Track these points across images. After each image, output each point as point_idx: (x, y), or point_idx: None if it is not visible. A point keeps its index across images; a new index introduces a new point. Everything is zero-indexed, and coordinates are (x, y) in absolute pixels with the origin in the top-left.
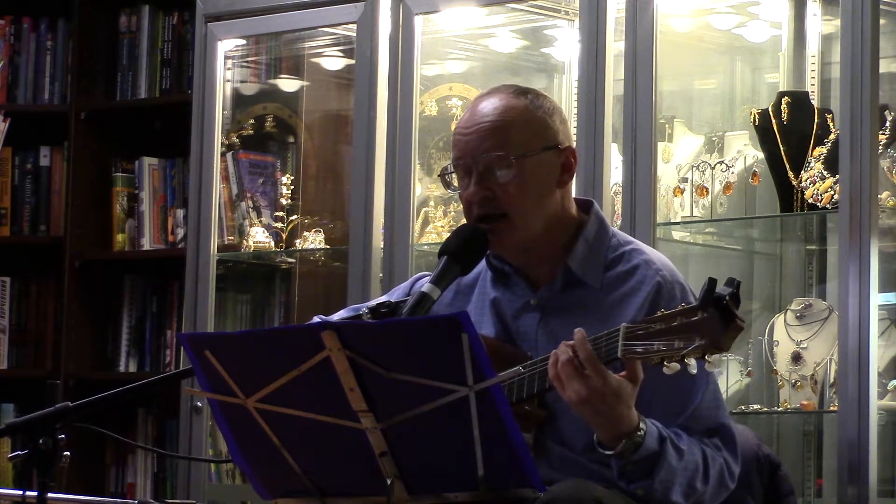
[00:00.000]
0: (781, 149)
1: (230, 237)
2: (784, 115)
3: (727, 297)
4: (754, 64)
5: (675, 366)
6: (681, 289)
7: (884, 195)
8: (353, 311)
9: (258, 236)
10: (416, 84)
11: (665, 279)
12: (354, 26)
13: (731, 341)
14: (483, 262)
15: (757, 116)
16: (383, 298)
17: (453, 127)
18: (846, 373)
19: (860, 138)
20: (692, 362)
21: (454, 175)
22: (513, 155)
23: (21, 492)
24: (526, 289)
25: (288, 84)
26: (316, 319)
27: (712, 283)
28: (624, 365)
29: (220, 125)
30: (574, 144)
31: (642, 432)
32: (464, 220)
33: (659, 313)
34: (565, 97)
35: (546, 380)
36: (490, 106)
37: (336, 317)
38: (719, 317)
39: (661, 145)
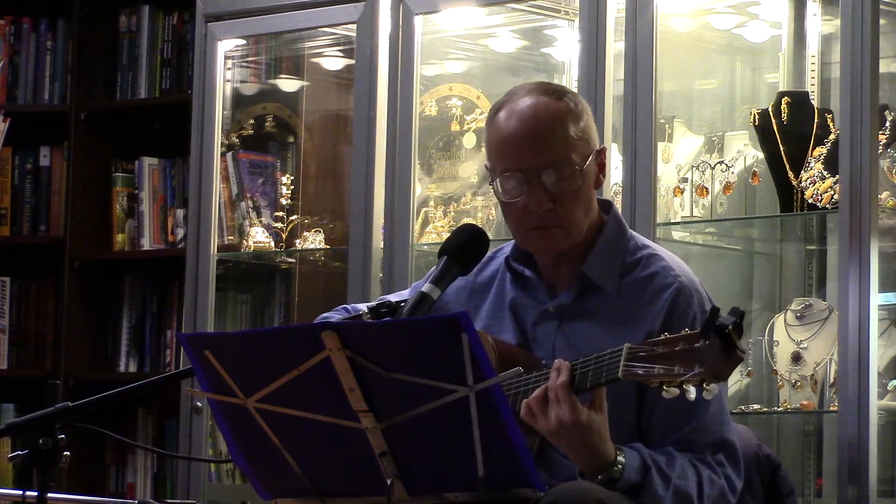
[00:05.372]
0: (781, 149)
1: (230, 237)
2: (784, 115)
3: (730, 327)
4: (754, 64)
5: (675, 391)
6: (698, 297)
7: (884, 195)
8: (355, 309)
9: (258, 236)
10: (416, 84)
11: (683, 286)
12: (354, 26)
13: (730, 371)
14: (501, 261)
15: (757, 116)
16: (405, 293)
17: (453, 127)
18: (846, 373)
19: (860, 138)
20: (690, 388)
21: (498, 180)
22: (577, 165)
23: (21, 492)
24: (544, 294)
25: (288, 84)
26: (339, 310)
27: (714, 311)
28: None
29: (220, 125)
30: None
31: (620, 466)
32: (464, 221)
33: (663, 336)
34: None
35: None
36: (539, 112)
37: (363, 306)
38: (720, 346)
39: (661, 145)
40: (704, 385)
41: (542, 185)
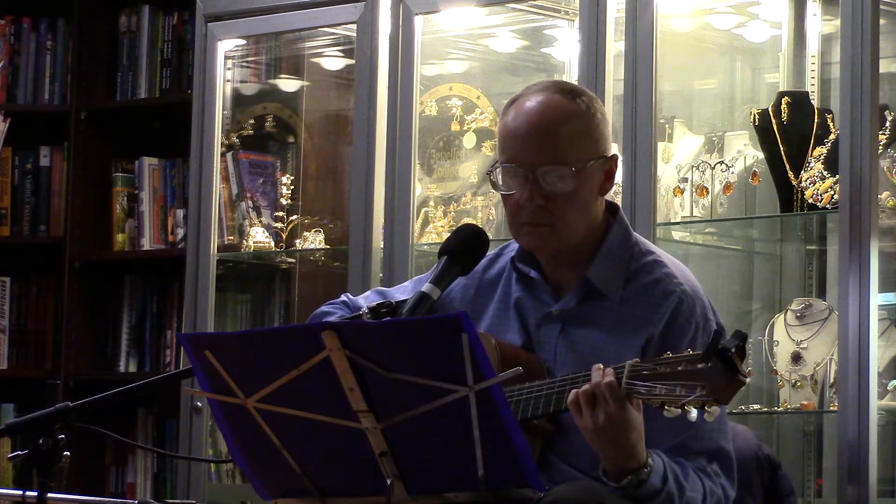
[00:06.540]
0: (781, 149)
1: (230, 237)
2: (784, 115)
3: (732, 350)
4: (754, 64)
5: (676, 411)
6: (700, 306)
7: (884, 195)
8: (377, 294)
9: (258, 236)
10: (416, 84)
11: (686, 295)
12: (354, 26)
13: (731, 395)
14: (507, 259)
15: (757, 116)
16: (407, 286)
17: (453, 127)
18: (846, 373)
19: (860, 138)
20: (692, 410)
21: (498, 173)
22: (574, 167)
23: (21, 492)
24: (549, 296)
25: (288, 84)
26: (337, 304)
27: (717, 334)
28: None
29: (220, 125)
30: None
31: (648, 469)
32: (464, 221)
33: (666, 355)
34: None
35: (562, 402)
36: (547, 110)
37: (361, 298)
38: (722, 369)
39: (661, 145)
40: (706, 407)
41: (536, 182)
